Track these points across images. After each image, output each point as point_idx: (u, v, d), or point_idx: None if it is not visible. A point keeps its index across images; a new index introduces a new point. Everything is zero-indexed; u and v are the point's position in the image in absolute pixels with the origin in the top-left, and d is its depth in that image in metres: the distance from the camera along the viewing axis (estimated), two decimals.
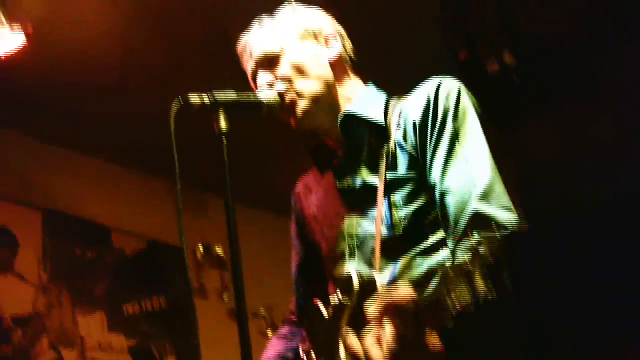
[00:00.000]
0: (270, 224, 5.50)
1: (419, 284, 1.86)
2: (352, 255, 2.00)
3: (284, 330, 2.39)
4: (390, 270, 1.90)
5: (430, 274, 1.87)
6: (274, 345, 2.35)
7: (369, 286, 1.81)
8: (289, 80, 2.06)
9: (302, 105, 2.05)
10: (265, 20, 2.19)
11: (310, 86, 2.07)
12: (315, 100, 2.06)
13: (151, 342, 4.86)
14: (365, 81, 2.20)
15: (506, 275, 1.43)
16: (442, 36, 4.07)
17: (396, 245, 1.91)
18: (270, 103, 2.02)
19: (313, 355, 1.99)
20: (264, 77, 2.09)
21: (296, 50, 2.10)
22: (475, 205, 1.79)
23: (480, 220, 1.78)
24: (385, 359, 1.55)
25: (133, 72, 4.24)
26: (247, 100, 2.00)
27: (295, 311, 2.38)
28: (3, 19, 3.45)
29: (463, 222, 1.80)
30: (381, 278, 1.84)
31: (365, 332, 1.63)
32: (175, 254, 4.88)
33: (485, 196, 1.80)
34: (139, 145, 4.73)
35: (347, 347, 1.69)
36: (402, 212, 1.92)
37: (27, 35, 3.51)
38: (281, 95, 2.04)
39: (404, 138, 1.96)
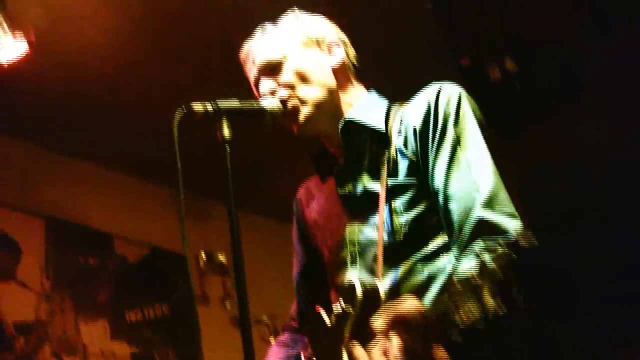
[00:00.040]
0: (273, 231, 5.50)
1: (420, 290, 1.87)
2: (353, 262, 2.00)
3: (285, 337, 2.38)
4: (391, 276, 1.90)
5: (431, 280, 1.88)
6: (275, 353, 2.35)
7: (372, 295, 1.81)
8: (291, 87, 2.07)
9: (304, 111, 2.06)
10: (268, 27, 2.20)
11: (312, 93, 2.07)
12: (318, 106, 2.07)
13: (154, 349, 4.86)
14: (368, 88, 2.20)
15: (516, 291, 1.42)
16: (442, 38, 4.08)
17: (397, 251, 1.91)
18: (273, 110, 2.03)
19: None
20: (266, 84, 2.10)
21: (299, 58, 2.11)
22: (480, 212, 1.79)
23: (485, 228, 1.78)
24: None
25: (135, 81, 4.25)
26: (249, 107, 2.00)
27: (297, 317, 2.38)
28: (6, 27, 3.46)
29: (468, 229, 1.80)
30: (383, 286, 1.84)
31: (371, 345, 1.63)
32: (177, 261, 4.89)
33: (489, 203, 1.80)
34: (141, 153, 4.74)
35: (353, 359, 1.69)
36: (403, 219, 1.92)
37: (29, 43, 3.52)
38: (284, 102, 2.05)
39: (405, 144, 1.97)
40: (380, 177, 1.97)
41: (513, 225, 1.77)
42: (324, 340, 1.94)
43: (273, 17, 2.22)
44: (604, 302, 5.70)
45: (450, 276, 1.73)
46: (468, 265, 1.68)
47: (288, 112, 2.05)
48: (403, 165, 1.96)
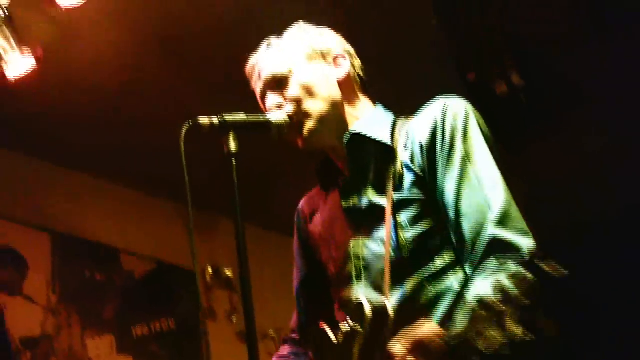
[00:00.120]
0: (280, 245, 5.47)
1: (427, 308, 1.86)
2: (359, 277, 1.99)
3: (285, 350, 2.34)
4: (397, 293, 1.89)
5: (438, 298, 1.87)
6: None
7: (381, 314, 1.79)
8: (298, 102, 2.06)
9: (309, 125, 2.05)
10: (273, 41, 2.19)
11: (318, 106, 2.07)
12: (323, 120, 2.06)
13: None
14: (374, 100, 2.20)
15: (541, 318, 1.41)
16: (445, 41, 4.08)
17: (403, 267, 1.90)
18: (279, 124, 2.03)
19: None
20: (273, 99, 2.09)
21: (305, 71, 2.10)
22: (492, 230, 1.79)
23: (497, 246, 1.77)
24: None
25: (141, 96, 4.27)
26: (256, 121, 2.01)
27: (297, 329, 2.35)
28: (13, 43, 3.47)
29: (480, 246, 1.79)
30: (391, 304, 1.82)
31: None
32: (184, 276, 4.89)
33: (501, 220, 1.79)
34: (148, 168, 4.74)
35: None
36: (409, 234, 1.91)
37: (37, 59, 3.54)
38: (290, 116, 2.05)
39: (412, 159, 1.96)
40: (385, 191, 1.96)
41: (526, 243, 1.76)
42: (331, 358, 1.93)
43: (280, 33, 2.23)
44: (610, 314, 5.68)
45: (469, 299, 1.71)
46: (484, 286, 1.68)
47: (294, 126, 2.05)
48: (409, 180, 1.95)
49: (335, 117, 2.09)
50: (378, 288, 1.93)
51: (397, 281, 1.89)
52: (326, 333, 1.97)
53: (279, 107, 2.07)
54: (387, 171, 1.98)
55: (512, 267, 1.71)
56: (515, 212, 1.81)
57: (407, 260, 1.90)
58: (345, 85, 2.13)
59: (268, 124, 2.02)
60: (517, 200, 1.85)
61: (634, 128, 5.02)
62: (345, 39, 2.24)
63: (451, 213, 1.87)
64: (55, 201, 4.65)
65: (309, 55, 2.13)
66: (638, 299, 5.57)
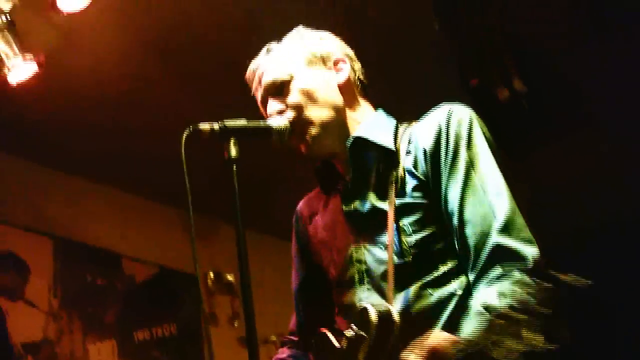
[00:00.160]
0: (281, 250, 5.47)
1: (430, 314, 1.85)
2: (361, 281, 1.99)
3: (284, 353, 2.34)
4: (401, 299, 1.88)
5: (441, 304, 1.86)
6: None
7: (386, 320, 1.78)
8: (299, 108, 2.06)
9: (312, 131, 2.05)
10: (273, 46, 2.19)
11: (320, 112, 2.07)
12: (325, 126, 2.06)
13: None
14: (374, 105, 2.20)
15: (561, 327, 1.40)
16: (446, 42, 4.08)
17: (406, 273, 1.90)
18: (280, 129, 2.02)
19: None
20: (273, 105, 2.09)
21: (305, 77, 2.10)
22: (497, 238, 1.79)
23: (502, 254, 1.77)
24: None
25: (143, 102, 4.27)
26: (256, 126, 2.01)
27: (296, 330, 2.35)
28: (16, 49, 3.48)
29: (484, 254, 1.79)
30: (396, 311, 1.81)
31: None
32: (185, 281, 4.89)
33: (506, 228, 1.79)
34: (149, 173, 4.75)
35: None
36: (412, 239, 1.91)
37: (39, 64, 3.54)
38: (291, 122, 2.05)
39: (415, 165, 1.96)
40: (388, 196, 1.96)
41: (531, 251, 1.76)
42: None
43: (281, 38, 2.22)
44: (614, 322, 5.66)
45: (475, 307, 1.70)
46: (491, 294, 1.68)
47: (296, 132, 2.05)
48: (412, 185, 1.95)
49: (336, 122, 2.08)
50: (381, 293, 1.93)
51: (400, 286, 1.89)
52: (328, 338, 1.96)
53: (280, 113, 2.07)
54: (390, 176, 1.98)
55: (518, 275, 1.71)
56: (520, 220, 1.81)
57: (410, 266, 1.90)
58: (346, 89, 2.13)
59: (269, 129, 2.02)
60: (521, 206, 1.85)
61: (634, 129, 5.01)
62: (345, 39, 2.24)
63: (455, 220, 1.87)
64: (57, 206, 4.66)
65: (309, 60, 2.13)
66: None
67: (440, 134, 1.94)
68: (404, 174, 1.97)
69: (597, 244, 5.80)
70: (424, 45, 4.13)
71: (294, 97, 2.08)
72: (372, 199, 2.01)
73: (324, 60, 2.14)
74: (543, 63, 4.27)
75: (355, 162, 2.07)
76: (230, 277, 5.36)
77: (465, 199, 1.87)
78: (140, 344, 4.79)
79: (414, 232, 1.92)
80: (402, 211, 1.94)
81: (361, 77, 2.19)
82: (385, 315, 1.79)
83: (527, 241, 1.78)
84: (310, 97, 2.07)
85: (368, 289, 1.97)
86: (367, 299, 1.94)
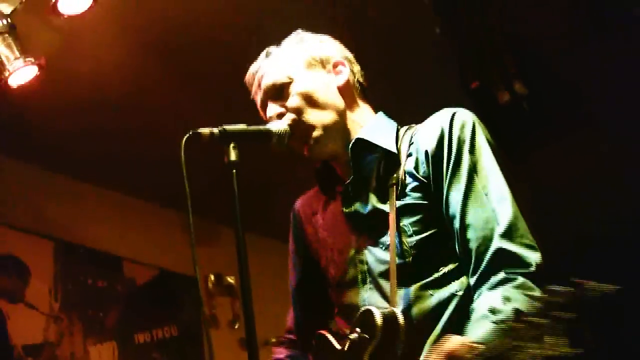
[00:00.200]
0: (281, 252, 5.47)
1: (430, 315, 1.86)
2: (364, 282, 1.99)
3: (282, 354, 2.35)
4: (402, 300, 1.89)
5: (441, 306, 1.87)
6: None
7: (392, 322, 1.78)
8: (298, 111, 2.06)
9: (312, 134, 2.06)
10: (273, 49, 2.20)
11: (320, 115, 2.07)
12: (326, 128, 2.07)
13: None
14: (374, 107, 2.20)
15: (586, 332, 1.39)
16: (446, 47, 4.08)
17: (407, 273, 1.90)
18: (280, 133, 2.02)
19: None
20: (273, 108, 2.10)
21: (304, 80, 2.11)
22: (499, 242, 1.80)
23: (505, 259, 1.78)
24: None
25: (144, 106, 4.28)
26: (256, 130, 2.01)
27: (294, 329, 2.35)
28: (17, 51, 3.48)
29: (487, 259, 1.80)
30: (401, 314, 1.81)
31: None
32: (186, 283, 4.88)
33: (508, 233, 1.80)
34: (150, 176, 4.74)
35: None
36: (412, 240, 1.92)
37: (40, 67, 3.55)
38: (291, 125, 2.05)
39: (416, 167, 1.97)
40: (389, 197, 1.97)
41: (534, 257, 1.77)
42: None
43: (283, 41, 2.23)
44: (614, 328, 5.65)
45: (483, 311, 1.71)
46: (495, 298, 1.69)
47: (296, 135, 2.05)
48: (413, 187, 1.96)
49: (337, 124, 2.09)
50: (382, 293, 1.94)
51: (401, 287, 1.90)
52: (327, 339, 1.96)
53: (280, 116, 2.08)
54: (390, 178, 1.99)
55: (522, 280, 1.72)
56: (522, 225, 1.82)
57: (410, 266, 1.90)
58: (345, 92, 2.13)
59: (269, 133, 2.02)
60: (523, 210, 1.85)
61: (635, 129, 5.00)
62: (345, 40, 2.25)
63: (457, 223, 1.88)
64: (58, 209, 4.66)
65: (308, 63, 2.14)
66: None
67: (442, 137, 1.95)
68: (405, 176, 1.97)
69: (597, 244, 5.78)
70: (424, 46, 4.13)
71: (293, 100, 2.08)
72: (373, 201, 2.02)
73: (323, 63, 2.15)
74: (543, 63, 4.27)
75: (357, 164, 2.07)
76: (230, 280, 5.35)
77: (467, 202, 1.87)
78: (140, 346, 4.79)
79: (415, 232, 1.92)
80: (403, 212, 1.94)
81: (361, 79, 2.19)
82: (390, 318, 1.79)
83: (530, 247, 1.79)
84: (309, 99, 2.08)
85: (370, 288, 1.97)
86: (369, 299, 1.95)
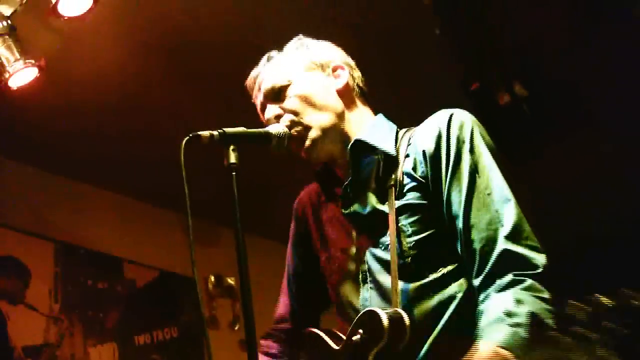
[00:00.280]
0: (281, 254, 5.47)
1: (429, 316, 1.86)
2: (365, 281, 2.00)
3: (274, 349, 2.35)
4: (402, 300, 1.88)
5: (441, 306, 1.87)
6: None
7: (398, 324, 1.78)
8: (296, 112, 2.07)
9: (310, 136, 2.06)
10: (274, 54, 2.21)
11: (318, 117, 2.08)
12: (324, 130, 2.07)
13: None
14: (374, 110, 2.21)
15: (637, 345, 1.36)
16: (446, 47, 4.08)
17: (407, 274, 1.90)
18: (279, 135, 2.03)
19: None
20: (272, 110, 2.11)
21: (302, 82, 2.12)
22: (504, 244, 1.79)
23: (510, 261, 1.77)
24: None
25: (143, 107, 4.28)
26: (255, 133, 2.01)
27: (289, 317, 2.35)
28: (16, 52, 3.49)
29: (492, 260, 1.80)
30: (407, 316, 1.81)
31: None
32: (186, 285, 4.89)
33: (513, 235, 1.80)
34: (150, 178, 4.75)
35: None
36: (411, 240, 1.92)
37: (39, 68, 3.55)
38: (290, 127, 2.06)
39: (414, 167, 1.97)
40: (388, 198, 1.97)
41: (540, 259, 1.77)
42: None
43: (284, 44, 2.24)
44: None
45: (497, 315, 1.70)
46: (507, 300, 1.69)
47: (295, 137, 2.06)
48: (411, 188, 1.96)
49: (335, 126, 2.09)
50: (383, 293, 1.94)
51: (402, 287, 1.90)
52: (322, 338, 1.96)
53: (278, 117, 2.09)
54: (389, 179, 1.99)
55: (531, 282, 1.72)
56: (527, 227, 1.82)
57: (410, 266, 1.90)
58: (344, 95, 2.14)
59: (268, 135, 2.02)
60: (525, 211, 1.85)
61: (635, 129, 5.00)
62: (345, 41, 2.26)
63: (459, 224, 1.87)
64: (58, 210, 4.66)
65: (307, 66, 2.15)
66: None
67: (440, 137, 1.95)
68: (403, 176, 1.97)
69: (598, 244, 5.78)
70: (424, 47, 4.13)
71: (291, 101, 2.09)
72: (373, 202, 2.02)
73: (322, 67, 2.16)
74: (543, 64, 4.27)
75: (356, 165, 2.07)
76: (231, 281, 5.36)
77: (470, 203, 1.87)
78: (140, 347, 4.79)
79: (414, 232, 1.92)
80: (401, 213, 1.94)
81: (360, 84, 2.20)
82: (396, 319, 1.78)
83: (536, 248, 1.79)
84: (307, 101, 2.09)
85: (370, 288, 1.98)
86: (369, 299, 1.96)
